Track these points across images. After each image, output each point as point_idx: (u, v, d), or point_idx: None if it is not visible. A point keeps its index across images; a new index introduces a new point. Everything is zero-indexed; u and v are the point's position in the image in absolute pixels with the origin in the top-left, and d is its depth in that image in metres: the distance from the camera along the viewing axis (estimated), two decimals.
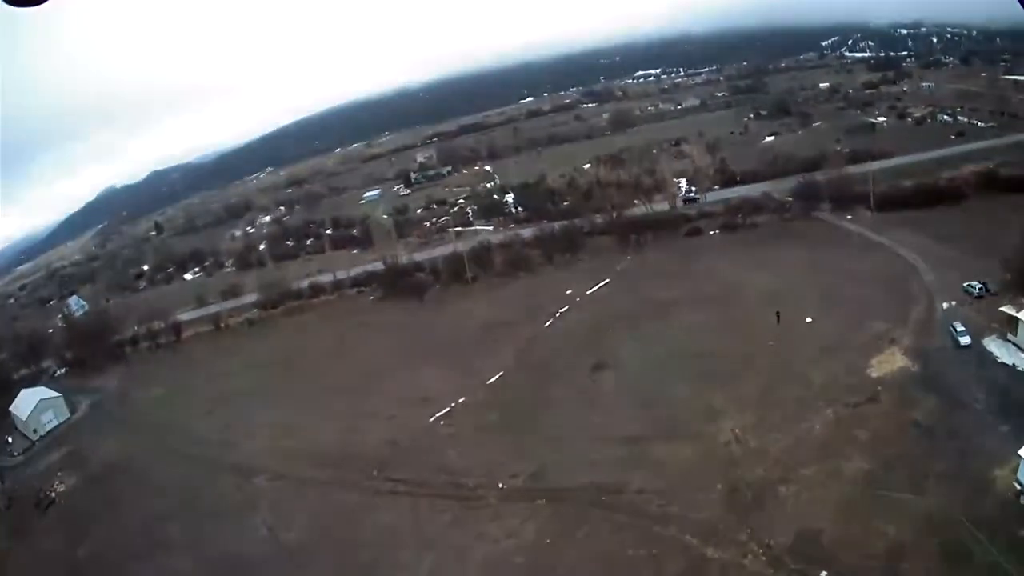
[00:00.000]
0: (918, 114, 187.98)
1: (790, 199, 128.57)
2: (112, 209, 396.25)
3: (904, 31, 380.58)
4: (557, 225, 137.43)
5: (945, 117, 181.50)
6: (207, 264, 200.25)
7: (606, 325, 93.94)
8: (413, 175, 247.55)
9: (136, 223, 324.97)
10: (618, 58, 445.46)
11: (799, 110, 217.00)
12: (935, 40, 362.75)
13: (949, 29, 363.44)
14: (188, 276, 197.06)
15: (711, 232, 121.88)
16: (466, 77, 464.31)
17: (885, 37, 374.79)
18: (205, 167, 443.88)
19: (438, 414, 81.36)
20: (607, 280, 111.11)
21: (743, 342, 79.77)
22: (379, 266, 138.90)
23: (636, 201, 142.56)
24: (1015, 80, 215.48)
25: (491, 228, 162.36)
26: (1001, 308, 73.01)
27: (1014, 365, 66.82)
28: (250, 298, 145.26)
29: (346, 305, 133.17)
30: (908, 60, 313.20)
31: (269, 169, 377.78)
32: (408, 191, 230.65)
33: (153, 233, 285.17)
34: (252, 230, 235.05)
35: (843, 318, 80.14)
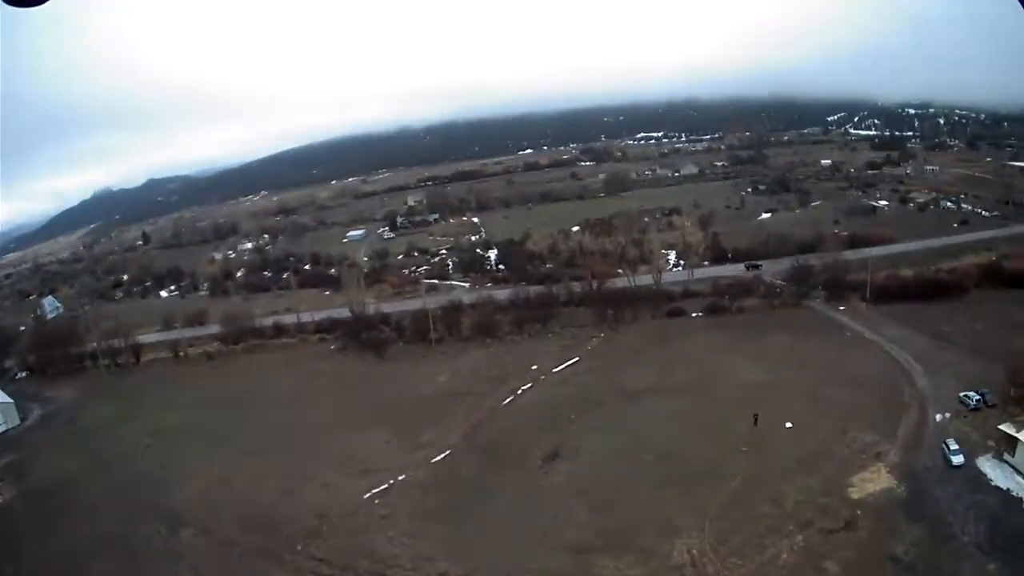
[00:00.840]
0: (921, 199, 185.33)
1: (782, 283, 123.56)
2: (106, 211, 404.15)
3: (912, 111, 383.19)
4: (533, 291, 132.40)
5: (949, 204, 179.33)
6: (183, 284, 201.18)
7: (569, 410, 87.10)
8: (399, 219, 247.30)
9: (127, 229, 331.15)
10: (622, 117, 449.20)
11: (799, 187, 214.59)
12: (942, 122, 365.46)
13: (957, 111, 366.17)
14: (163, 293, 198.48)
15: (694, 314, 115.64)
16: (469, 122, 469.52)
17: (892, 116, 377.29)
18: (202, 182, 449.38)
19: (375, 490, 75.27)
20: (577, 358, 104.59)
21: (714, 444, 72.89)
22: (346, 313, 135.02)
23: (620, 270, 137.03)
24: (1021, 167, 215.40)
25: (467, 285, 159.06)
26: (999, 426, 66.67)
27: (1009, 490, 60.56)
28: (214, 329, 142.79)
29: (306, 351, 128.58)
30: (913, 141, 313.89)
31: (264, 193, 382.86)
32: (392, 235, 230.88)
33: (140, 243, 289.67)
34: (233, 255, 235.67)
35: (826, 425, 73.57)
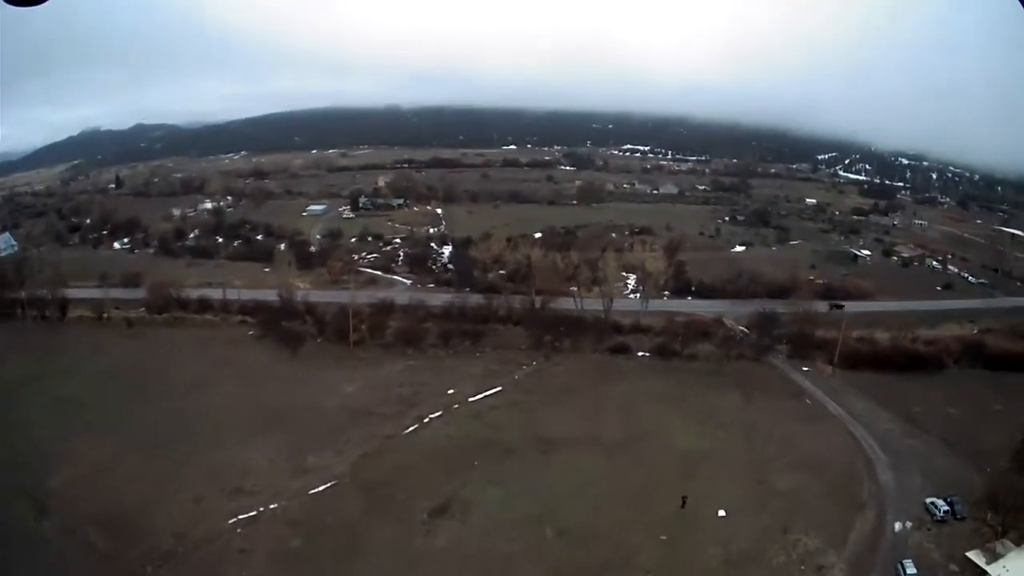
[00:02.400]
0: (906, 254, 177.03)
1: (743, 330, 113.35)
2: (92, 149, 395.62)
3: (905, 161, 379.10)
4: (474, 300, 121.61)
5: (934, 263, 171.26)
6: (138, 237, 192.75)
7: (474, 453, 75.67)
8: (362, 199, 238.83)
9: (108, 170, 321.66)
10: (611, 126, 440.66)
11: (779, 223, 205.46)
12: (934, 176, 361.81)
13: (952, 168, 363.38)
14: (117, 245, 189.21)
15: (640, 353, 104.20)
16: (457, 109, 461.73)
17: (884, 163, 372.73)
18: (187, 133, 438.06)
19: (242, 516, 67.43)
20: (500, 387, 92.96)
21: (630, 527, 61.94)
22: (274, 297, 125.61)
23: (571, 290, 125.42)
24: (1012, 234, 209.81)
25: (409, 282, 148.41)
26: (968, 552, 56.55)
27: None
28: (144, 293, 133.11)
29: (224, 333, 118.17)
30: (903, 192, 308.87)
31: (244, 153, 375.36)
32: (352, 215, 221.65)
33: (112, 186, 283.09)
34: (192, 213, 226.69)
35: (766, 520, 63.00)
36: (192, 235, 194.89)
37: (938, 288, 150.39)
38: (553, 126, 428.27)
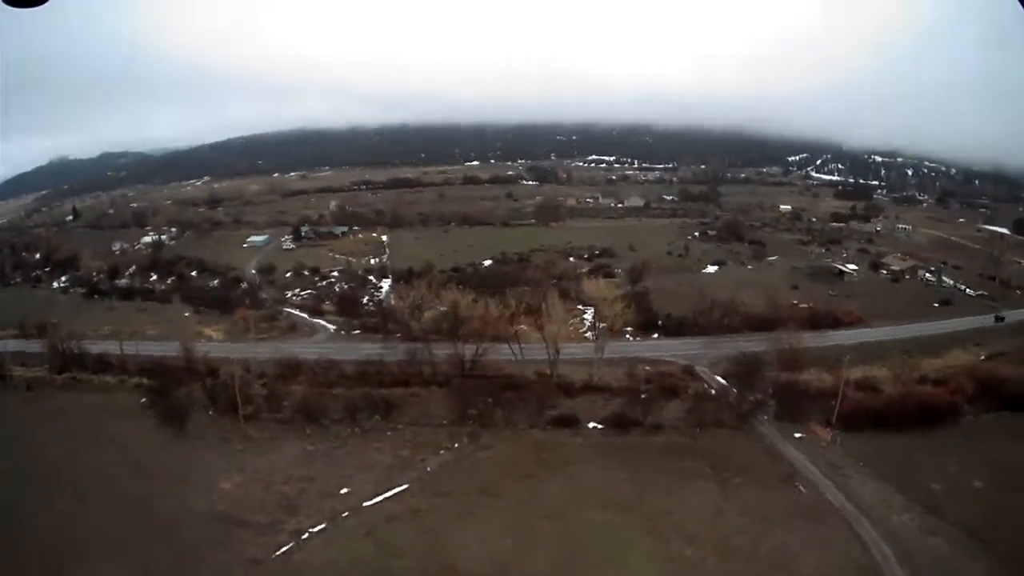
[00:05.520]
0: (895, 266, 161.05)
1: (721, 382, 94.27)
2: (58, 179, 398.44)
3: (878, 158, 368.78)
4: (396, 355, 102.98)
5: (928, 275, 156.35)
6: (75, 275, 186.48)
7: None
8: (304, 229, 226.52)
9: (71, 200, 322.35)
10: (575, 137, 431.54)
11: (753, 236, 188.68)
12: (910, 173, 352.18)
13: (926, 163, 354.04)
14: (55, 284, 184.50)
15: (591, 424, 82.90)
16: (420, 127, 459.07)
17: (857, 162, 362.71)
18: (152, 160, 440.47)
19: None
20: (406, 485, 71.90)
21: None
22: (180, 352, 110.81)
23: (512, 336, 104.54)
24: (1000, 234, 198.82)
25: (333, 328, 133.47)
26: None
27: None
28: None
29: (117, 401, 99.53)
30: (879, 191, 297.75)
31: (206, 179, 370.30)
32: (293, 245, 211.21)
33: (70, 218, 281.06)
34: (136, 247, 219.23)
35: None
36: (127, 273, 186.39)
37: (936, 305, 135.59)
38: (516, 139, 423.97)
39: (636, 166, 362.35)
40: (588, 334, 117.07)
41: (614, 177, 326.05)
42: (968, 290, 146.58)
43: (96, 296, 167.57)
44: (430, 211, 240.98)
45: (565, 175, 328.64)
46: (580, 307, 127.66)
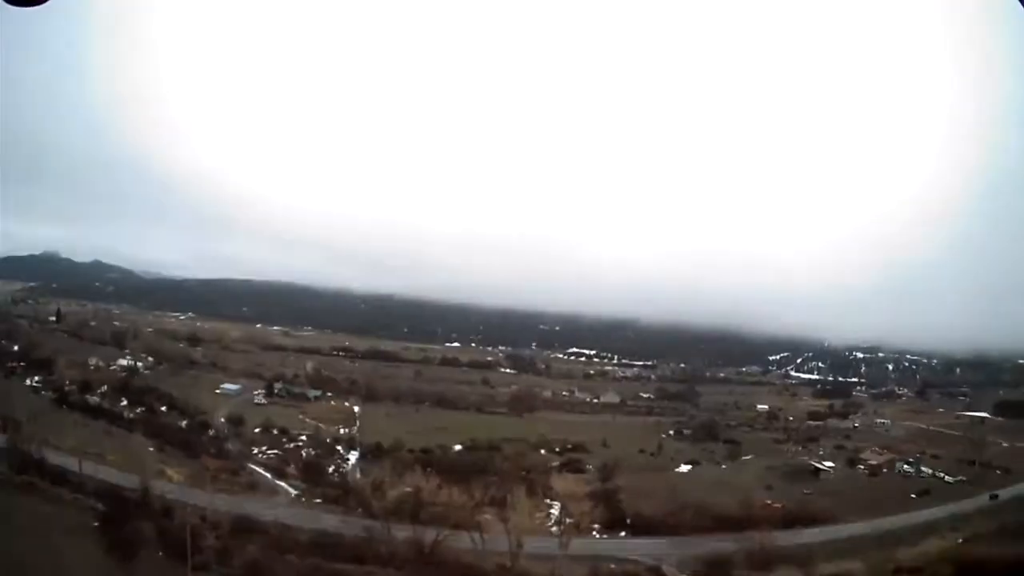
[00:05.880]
0: (873, 460, 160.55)
1: None
2: (48, 274, 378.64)
3: (860, 355, 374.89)
4: (356, 531, 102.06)
5: (906, 467, 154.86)
6: (49, 379, 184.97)
7: None
8: (278, 385, 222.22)
9: (56, 300, 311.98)
10: (558, 328, 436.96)
11: (728, 436, 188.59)
12: (890, 368, 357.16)
13: (908, 356, 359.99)
14: (28, 381, 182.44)
15: None
16: (406, 300, 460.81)
17: (838, 359, 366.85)
18: (142, 283, 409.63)
19: None
20: None
21: None
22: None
23: (475, 526, 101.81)
24: (981, 418, 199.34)
25: (295, 493, 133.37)
26: None
27: None
28: None
29: (70, 515, 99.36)
30: (859, 388, 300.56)
31: (190, 314, 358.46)
32: (264, 401, 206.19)
33: (53, 319, 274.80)
34: (112, 367, 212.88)
35: None
36: (99, 391, 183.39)
37: (913, 496, 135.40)
38: (500, 325, 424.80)
39: (616, 362, 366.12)
40: (554, 528, 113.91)
41: (592, 372, 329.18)
42: (947, 477, 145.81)
43: (65, 406, 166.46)
44: (405, 388, 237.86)
45: (544, 366, 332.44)
46: (548, 501, 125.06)
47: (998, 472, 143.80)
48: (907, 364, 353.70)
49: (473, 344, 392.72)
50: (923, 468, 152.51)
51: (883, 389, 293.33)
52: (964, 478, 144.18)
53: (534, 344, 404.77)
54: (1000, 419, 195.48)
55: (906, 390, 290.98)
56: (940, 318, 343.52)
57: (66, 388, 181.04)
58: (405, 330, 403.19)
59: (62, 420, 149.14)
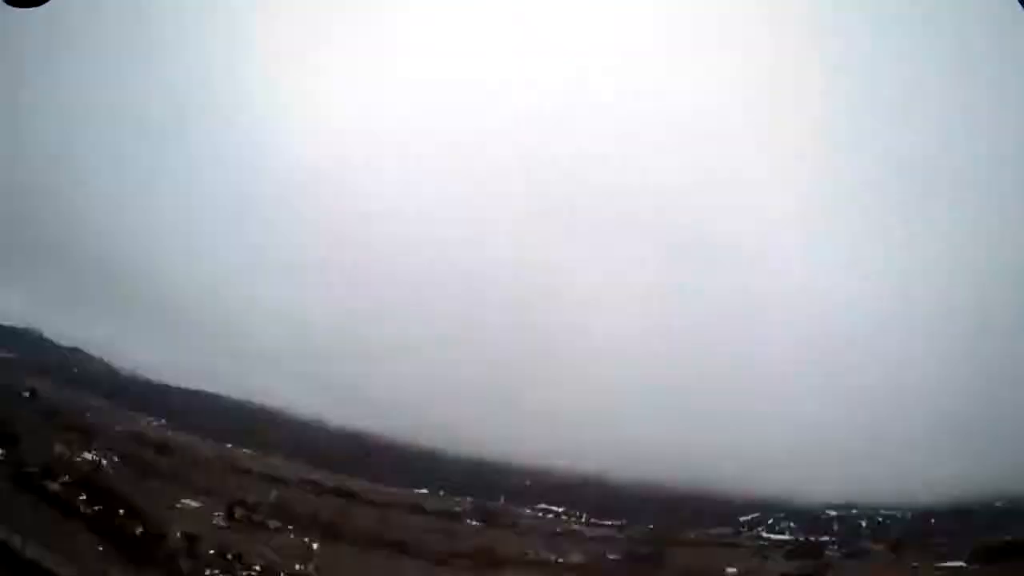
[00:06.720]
0: None
1: None
2: (27, 350, 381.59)
3: (833, 512, 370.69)
4: None
5: None
6: (14, 454, 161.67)
7: None
8: (238, 511, 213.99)
9: (32, 378, 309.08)
10: (528, 482, 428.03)
11: None
12: (863, 524, 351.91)
13: (882, 511, 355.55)
14: None
15: None
16: (380, 441, 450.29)
17: (811, 518, 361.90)
18: (119, 380, 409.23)
19: None
20: None
21: None
22: None
23: None
24: (956, 568, 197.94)
25: None
26: None
27: None
28: None
29: None
30: (831, 547, 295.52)
31: (163, 421, 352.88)
32: (225, 523, 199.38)
33: (27, 394, 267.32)
34: (77, 459, 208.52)
35: None
36: (60, 479, 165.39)
37: None
38: (470, 474, 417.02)
39: (584, 520, 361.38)
40: None
41: (559, 530, 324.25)
42: None
43: (23, 486, 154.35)
44: (370, 529, 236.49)
45: (512, 521, 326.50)
46: None
47: None
48: (881, 520, 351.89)
49: (441, 492, 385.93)
50: None
51: (856, 547, 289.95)
52: None
53: (502, 497, 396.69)
54: (975, 566, 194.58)
55: (880, 547, 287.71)
56: (914, 468, 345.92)
57: (27, 469, 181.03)
58: (375, 469, 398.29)
59: (19, 504, 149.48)
